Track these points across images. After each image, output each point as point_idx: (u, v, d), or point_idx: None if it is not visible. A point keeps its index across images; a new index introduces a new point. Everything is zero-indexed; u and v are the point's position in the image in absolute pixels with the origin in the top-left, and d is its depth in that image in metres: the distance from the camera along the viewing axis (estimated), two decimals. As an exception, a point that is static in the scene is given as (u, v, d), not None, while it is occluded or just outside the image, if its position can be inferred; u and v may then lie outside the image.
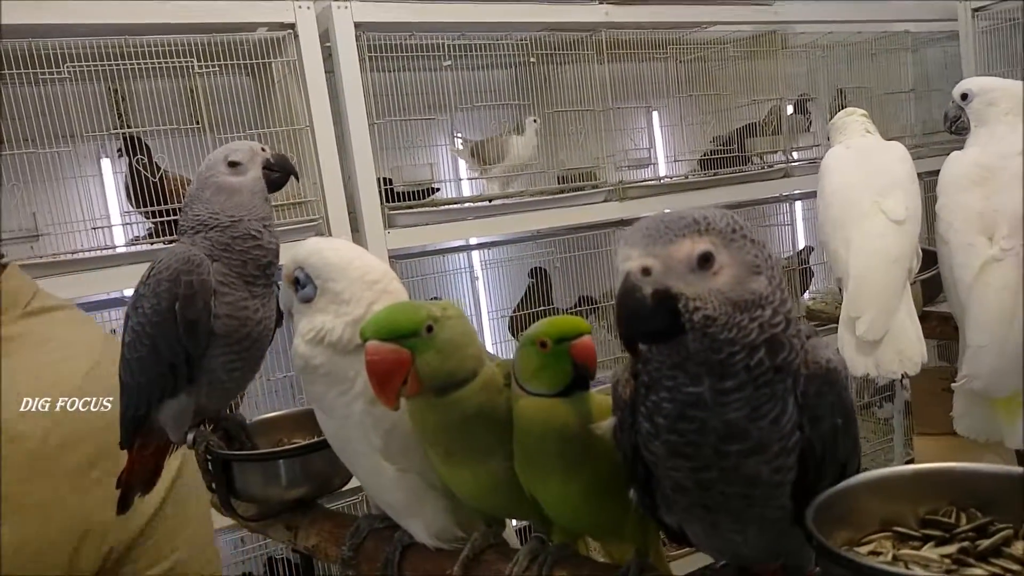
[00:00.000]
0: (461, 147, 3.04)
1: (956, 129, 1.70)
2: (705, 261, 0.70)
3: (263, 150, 1.24)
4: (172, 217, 2.33)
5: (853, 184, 1.75)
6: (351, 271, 1.03)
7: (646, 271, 0.69)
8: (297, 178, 1.33)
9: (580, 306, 3.15)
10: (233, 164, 1.22)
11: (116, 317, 2.58)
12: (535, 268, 3.11)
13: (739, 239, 0.72)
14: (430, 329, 0.89)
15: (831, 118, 2.01)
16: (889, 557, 0.74)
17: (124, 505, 1.11)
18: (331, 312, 1.02)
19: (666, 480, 0.79)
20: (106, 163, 2.67)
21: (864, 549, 0.77)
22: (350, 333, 1.00)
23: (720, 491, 0.76)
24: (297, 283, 1.04)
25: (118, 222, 2.57)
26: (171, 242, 2.34)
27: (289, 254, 1.06)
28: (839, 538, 0.77)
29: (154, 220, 2.41)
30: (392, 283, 1.06)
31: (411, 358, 0.88)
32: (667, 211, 0.72)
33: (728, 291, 0.70)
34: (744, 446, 0.73)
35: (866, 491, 0.79)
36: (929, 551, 0.75)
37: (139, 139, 2.39)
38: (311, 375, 1.04)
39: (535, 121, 2.99)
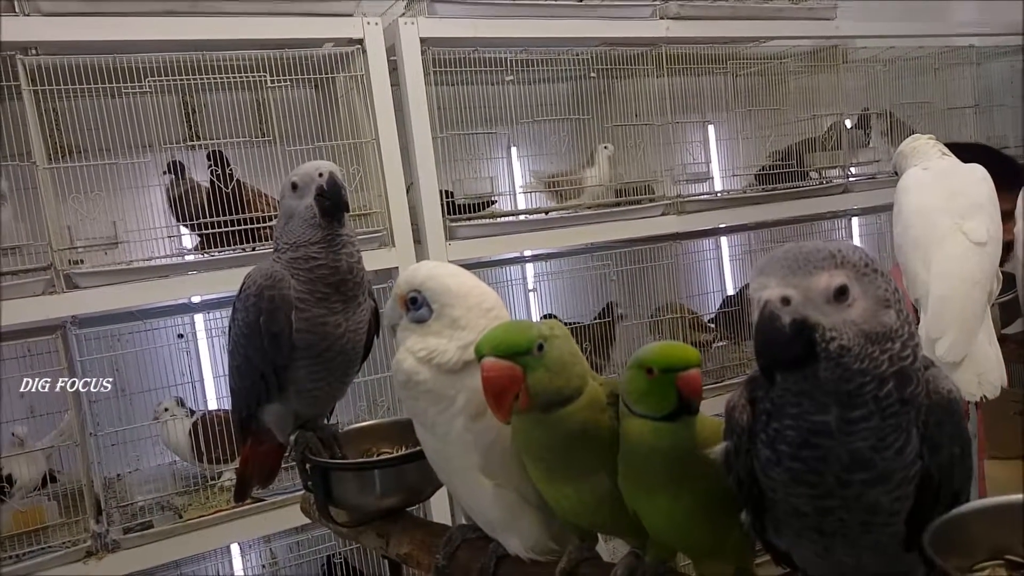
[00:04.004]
0: (534, 181, 3.08)
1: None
2: (841, 293, 0.72)
3: (320, 175, 1.25)
4: (245, 227, 2.40)
5: (933, 205, 1.73)
6: (470, 299, 1.07)
7: (786, 300, 0.71)
8: (347, 210, 1.29)
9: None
10: (295, 187, 1.27)
11: (186, 322, 2.66)
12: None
13: (871, 273, 0.73)
14: (541, 348, 0.93)
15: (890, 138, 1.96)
16: (1006, 586, 0.75)
17: (241, 494, 1.17)
18: (446, 336, 1.05)
19: (783, 505, 0.81)
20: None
21: (978, 577, 0.78)
22: (459, 356, 1.04)
23: (839, 518, 0.77)
24: (413, 303, 1.07)
25: (185, 231, 2.64)
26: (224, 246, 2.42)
27: (404, 276, 1.09)
28: (951, 564, 0.77)
29: (220, 230, 2.45)
30: (503, 311, 1.10)
31: (524, 374, 0.91)
32: (800, 243, 0.74)
33: (862, 323, 0.72)
34: (868, 475, 0.75)
35: (979, 519, 0.80)
36: (1042, 580, 0.76)
37: (218, 151, 2.46)
38: (413, 391, 1.07)
39: (607, 148, 3.01)
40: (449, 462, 1.09)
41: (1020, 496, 0.80)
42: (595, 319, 3.08)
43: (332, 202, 1.24)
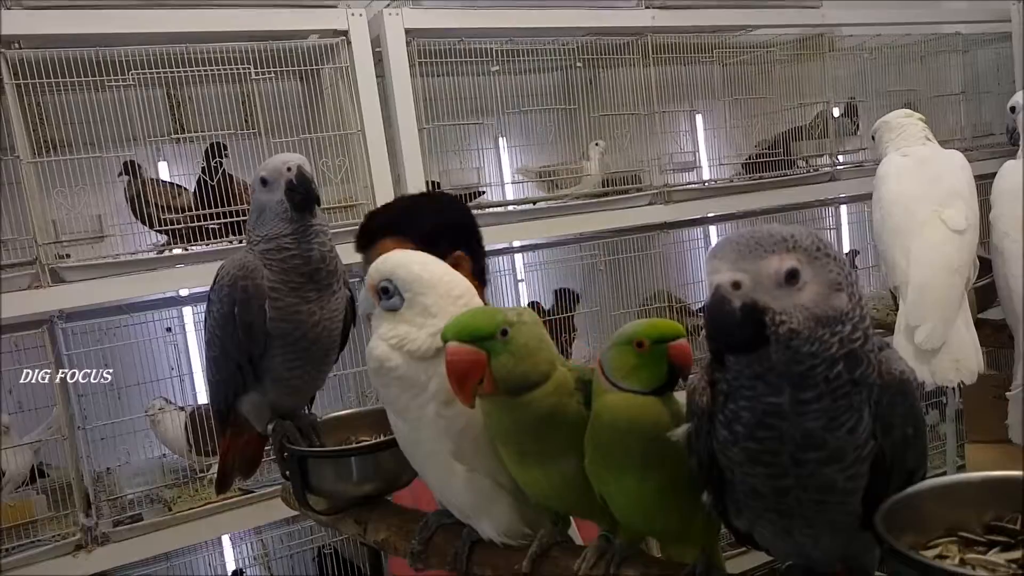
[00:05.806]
0: (526, 172, 3.12)
1: (1014, 140, 1.70)
2: (792, 277, 0.73)
3: (289, 170, 1.24)
4: (235, 219, 2.40)
5: (912, 193, 1.74)
6: (440, 286, 1.08)
7: (736, 285, 0.73)
8: (319, 203, 1.28)
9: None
10: (264, 182, 1.27)
11: (173, 316, 2.67)
12: (560, 289, 3.13)
13: (823, 257, 0.75)
14: (505, 333, 0.95)
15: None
16: (956, 561, 0.77)
17: (222, 485, 1.18)
18: (416, 323, 1.06)
19: (741, 486, 0.82)
20: (163, 166, 2.74)
21: (930, 553, 0.79)
22: (429, 343, 1.05)
23: (795, 497, 0.79)
24: (384, 293, 1.08)
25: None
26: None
27: (374, 266, 1.10)
28: (905, 542, 0.79)
29: (188, 224, 2.44)
30: (473, 299, 1.11)
31: (487, 359, 0.93)
32: (755, 227, 0.75)
33: (812, 306, 0.74)
34: (821, 454, 0.76)
35: (932, 497, 0.81)
36: (995, 556, 0.78)
37: (221, 144, 2.45)
38: (385, 377, 1.08)
39: (598, 145, 3.03)
40: (421, 448, 1.10)
41: (973, 474, 0.81)
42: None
43: (303, 196, 1.25)
